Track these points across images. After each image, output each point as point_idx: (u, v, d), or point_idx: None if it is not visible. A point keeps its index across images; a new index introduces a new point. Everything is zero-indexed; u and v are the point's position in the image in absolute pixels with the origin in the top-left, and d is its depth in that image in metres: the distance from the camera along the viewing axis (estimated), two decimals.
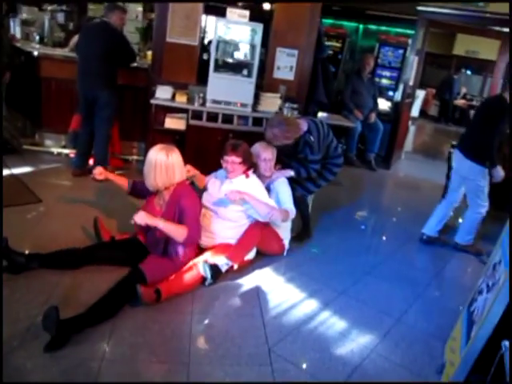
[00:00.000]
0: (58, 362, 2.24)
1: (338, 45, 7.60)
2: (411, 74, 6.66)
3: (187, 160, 4.51)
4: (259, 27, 4.34)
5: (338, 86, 7.00)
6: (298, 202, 3.72)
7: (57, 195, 4.15)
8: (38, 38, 5.89)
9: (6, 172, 4.54)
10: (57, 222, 3.64)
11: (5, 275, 2.80)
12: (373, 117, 6.48)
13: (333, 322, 2.83)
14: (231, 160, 3.19)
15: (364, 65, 6.44)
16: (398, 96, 6.74)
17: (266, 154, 3.45)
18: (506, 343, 1.74)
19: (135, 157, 5.35)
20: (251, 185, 3.26)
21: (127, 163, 5.26)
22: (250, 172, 3.31)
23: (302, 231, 3.94)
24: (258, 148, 3.49)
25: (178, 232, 2.80)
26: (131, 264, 2.99)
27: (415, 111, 10.68)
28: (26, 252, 2.94)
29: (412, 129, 10.06)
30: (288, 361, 2.43)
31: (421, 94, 11.18)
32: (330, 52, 7.37)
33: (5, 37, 4.80)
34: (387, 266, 3.71)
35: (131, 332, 2.51)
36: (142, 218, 2.73)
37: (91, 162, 4.74)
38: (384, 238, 4.47)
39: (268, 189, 3.50)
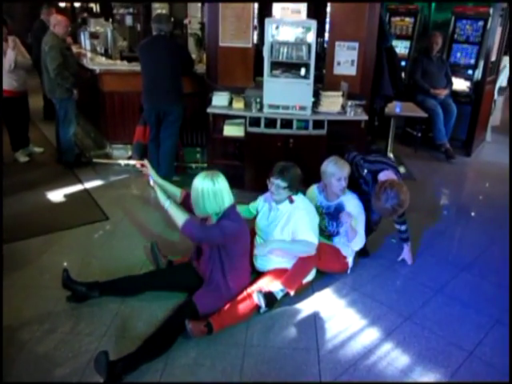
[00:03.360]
0: None
1: (410, 20, 7.03)
2: (494, 47, 6.01)
3: (247, 169, 4.52)
4: (313, 24, 4.07)
5: (410, 68, 6.50)
6: (371, 227, 3.60)
7: (123, 211, 4.30)
8: (103, 49, 6.06)
9: (79, 187, 4.79)
10: (121, 242, 3.76)
11: (70, 304, 2.98)
12: (443, 92, 6.01)
13: (394, 357, 2.61)
14: (276, 183, 3.03)
15: (432, 44, 6.02)
16: (478, 74, 6.10)
17: (342, 173, 3.24)
18: None
19: (199, 164, 5.36)
20: (297, 211, 3.07)
21: (191, 170, 5.30)
22: (296, 197, 3.12)
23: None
24: (333, 167, 3.26)
25: (177, 215, 2.76)
26: (188, 289, 3.02)
27: (503, 81, 9.66)
28: (87, 281, 3.03)
29: (499, 101, 9.12)
30: None
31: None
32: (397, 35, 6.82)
33: (71, 58, 4.99)
34: (461, 283, 3.36)
35: (182, 370, 2.49)
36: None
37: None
38: (462, 246, 4.04)
39: (339, 207, 3.33)
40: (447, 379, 2.46)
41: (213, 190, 2.73)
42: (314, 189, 3.48)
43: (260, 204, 3.33)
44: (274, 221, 3.15)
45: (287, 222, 3.07)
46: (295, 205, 3.10)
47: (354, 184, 3.49)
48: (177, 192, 3.17)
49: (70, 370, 2.45)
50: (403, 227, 3.47)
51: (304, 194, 3.28)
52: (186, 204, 3.11)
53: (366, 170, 3.44)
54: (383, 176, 3.28)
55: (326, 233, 3.41)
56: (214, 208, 2.78)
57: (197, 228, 2.77)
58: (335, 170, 3.25)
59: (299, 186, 3.12)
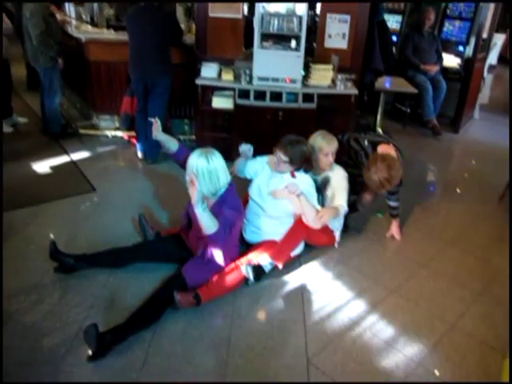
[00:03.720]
0: (101, 371, 2.31)
1: None
2: (486, 24, 5.97)
3: (236, 141, 4.48)
4: None
5: (401, 43, 6.44)
6: (357, 206, 3.65)
7: (110, 182, 4.26)
8: (88, 17, 5.89)
9: (65, 158, 4.71)
10: (108, 214, 3.73)
11: (57, 275, 2.96)
12: (434, 68, 5.99)
13: (379, 329, 2.66)
14: (278, 155, 3.01)
15: (423, 19, 5.98)
16: (469, 51, 6.07)
17: (329, 148, 3.23)
18: None
19: (187, 136, 5.30)
20: (302, 184, 3.04)
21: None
22: (298, 173, 3.10)
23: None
24: (321, 141, 3.24)
25: (208, 224, 2.60)
26: (177, 261, 3.03)
27: (493, 59, 9.68)
28: (74, 253, 3.00)
29: (489, 79, 9.14)
30: (326, 374, 2.33)
31: (500, 40, 10.05)
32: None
33: (55, 25, 4.84)
34: (446, 258, 3.42)
35: (170, 340, 2.52)
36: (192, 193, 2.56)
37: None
38: (447, 221, 4.07)
39: (325, 181, 3.34)
40: (429, 350, 2.53)
41: (208, 169, 2.65)
42: None
43: (260, 166, 3.27)
44: (269, 180, 3.15)
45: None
46: (298, 180, 3.07)
47: (354, 159, 3.51)
48: (174, 147, 3.07)
49: (59, 340, 2.46)
50: (394, 204, 3.50)
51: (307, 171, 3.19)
52: (178, 159, 3.04)
53: (366, 141, 3.44)
54: (381, 148, 3.30)
55: None
56: (210, 189, 2.72)
57: (222, 236, 2.67)
58: (323, 144, 3.23)
59: (303, 163, 3.05)
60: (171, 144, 3.08)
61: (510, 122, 4.19)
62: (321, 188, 3.34)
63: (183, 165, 2.83)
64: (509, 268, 3.09)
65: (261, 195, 3.19)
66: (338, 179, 3.29)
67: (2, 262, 2.86)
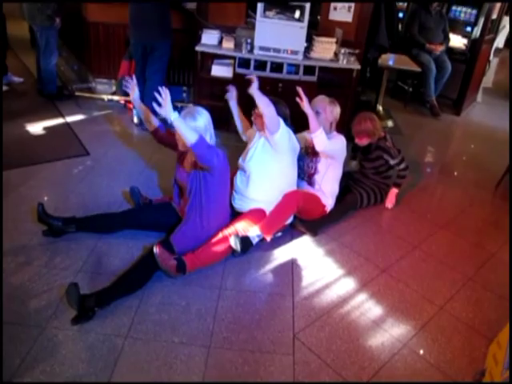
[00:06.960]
0: (86, 336, 2.29)
1: None
2: (496, 4, 5.82)
3: None
4: None
5: (407, 20, 6.27)
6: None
7: (105, 147, 4.20)
8: None
9: (60, 120, 4.63)
10: (101, 179, 3.68)
11: (47, 238, 2.92)
12: (439, 48, 5.87)
13: (367, 308, 2.65)
14: (257, 112, 3.04)
15: None
16: (476, 32, 5.94)
17: (318, 105, 3.27)
18: None
19: (184, 104, 5.20)
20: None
21: (176, 109, 5.14)
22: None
23: None
24: (324, 97, 3.35)
25: (187, 131, 2.53)
26: (166, 229, 3.00)
27: (500, 42, 9.50)
28: (63, 216, 2.96)
29: (494, 62, 8.98)
30: (312, 351, 2.32)
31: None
32: None
33: None
34: (438, 240, 3.39)
35: (157, 308, 2.50)
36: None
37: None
38: (442, 204, 4.04)
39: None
40: (416, 331, 2.52)
41: (194, 126, 2.65)
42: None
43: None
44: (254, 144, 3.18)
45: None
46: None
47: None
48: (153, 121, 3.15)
49: (45, 303, 2.44)
50: (403, 173, 3.63)
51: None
52: (157, 135, 3.18)
53: None
54: None
55: (307, 173, 3.41)
56: None
57: (206, 148, 2.59)
58: (321, 98, 3.34)
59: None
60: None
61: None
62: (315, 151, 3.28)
63: (160, 140, 3.08)
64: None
65: (245, 159, 3.16)
66: (334, 145, 3.23)
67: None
